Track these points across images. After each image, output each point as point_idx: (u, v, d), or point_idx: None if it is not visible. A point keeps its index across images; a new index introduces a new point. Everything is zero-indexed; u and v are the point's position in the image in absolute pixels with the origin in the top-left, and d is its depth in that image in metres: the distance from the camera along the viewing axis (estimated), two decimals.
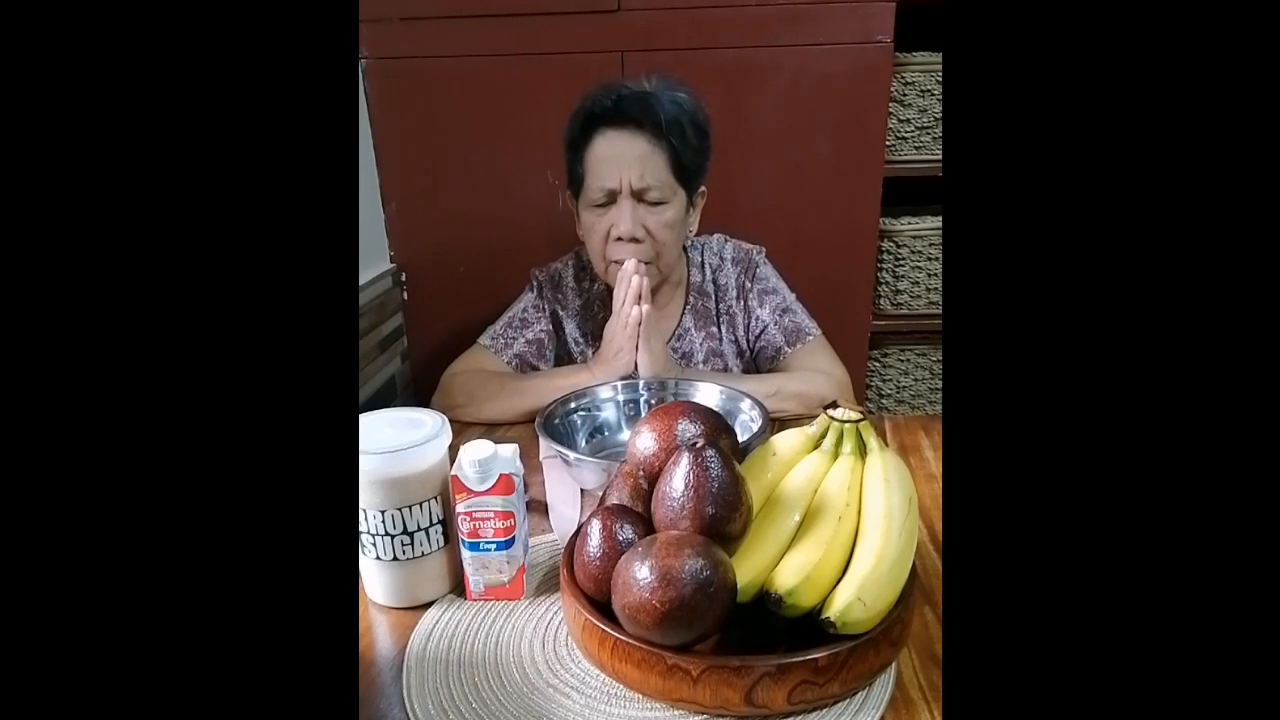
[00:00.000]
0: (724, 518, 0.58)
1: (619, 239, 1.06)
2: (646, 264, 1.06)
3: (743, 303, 1.18)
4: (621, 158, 1.04)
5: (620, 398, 1.02)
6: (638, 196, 1.05)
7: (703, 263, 1.19)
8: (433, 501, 0.68)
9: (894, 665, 0.61)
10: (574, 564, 0.63)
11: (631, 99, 1.04)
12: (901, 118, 1.48)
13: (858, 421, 0.67)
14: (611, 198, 1.06)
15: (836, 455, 0.66)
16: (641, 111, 1.03)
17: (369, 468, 0.65)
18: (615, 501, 0.64)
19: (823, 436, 0.68)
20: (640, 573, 0.55)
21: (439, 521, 0.69)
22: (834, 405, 0.68)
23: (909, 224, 1.53)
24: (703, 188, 1.13)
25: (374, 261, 1.49)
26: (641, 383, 1.03)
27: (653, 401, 1.01)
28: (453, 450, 0.69)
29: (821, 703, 0.57)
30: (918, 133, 1.49)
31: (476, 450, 0.66)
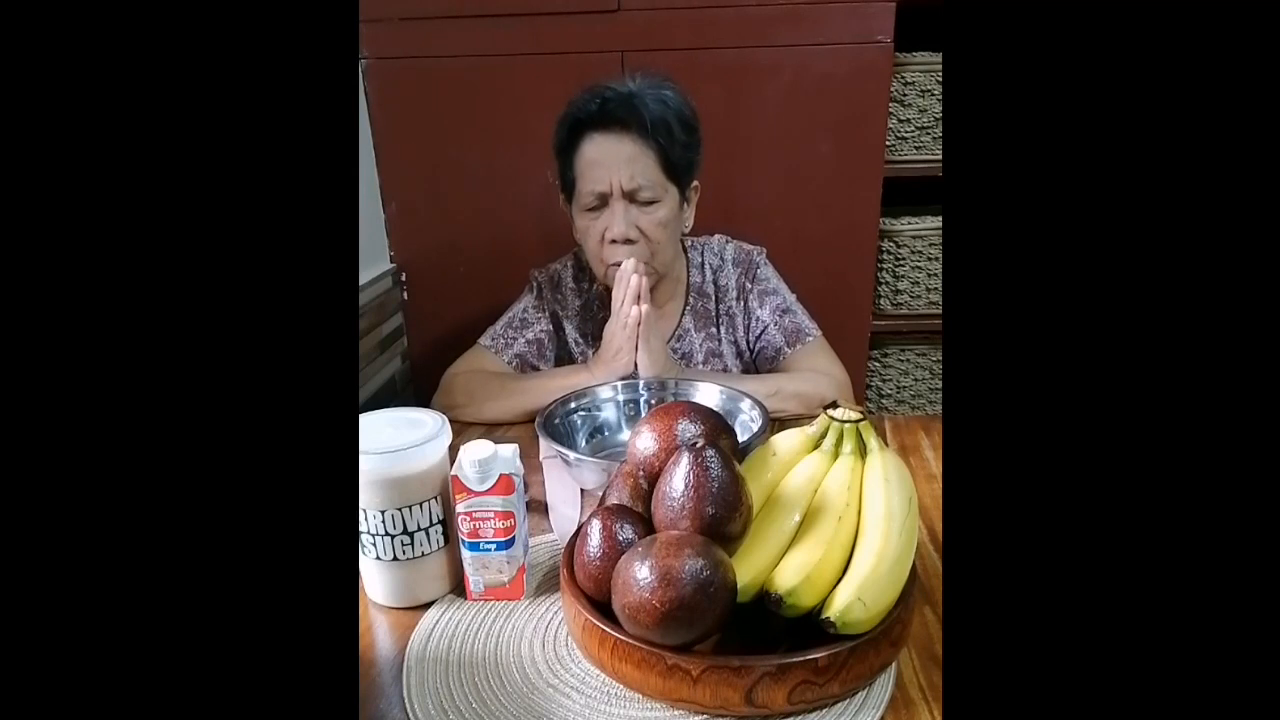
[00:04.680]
0: (724, 518, 0.58)
1: (614, 241, 1.07)
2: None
3: (743, 303, 1.18)
4: (610, 160, 1.05)
5: (620, 398, 1.02)
6: (629, 197, 1.06)
7: (703, 264, 1.19)
8: (433, 501, 0.68)
9: (894, 665, 0.61)
10: (574, 564, 0.63)
11: (616, 101, 1.04)
12: (901, 118, 1.48)
13: (858, 421, 0.67)
14: (603, 200, 1.07)
15: (836, 455, 0.66)
16: (627, 113, 1.03)
17: (369, 468, 0.65)
18: (615, 501, 0.64)
19: (823, 436, 0.68)
20: (640, 573, 0.55)
21: (439, 521, 0.69)
22: (834, 405, 0.68)
23: (909, 224, 1.53)
24: (695, 183, 1.13)
25: (374, 261, 1.49)
26: (641, 383, 1.03)
27: (653, 401, 1.01)
28: (453, 450, 0.69)
29: (821, 703, 0.57)
30: (918, 133, 1.49)
31: (476, 450, 0.66)
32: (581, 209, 1.09)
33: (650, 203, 1.07)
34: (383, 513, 0.66)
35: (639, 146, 1.04)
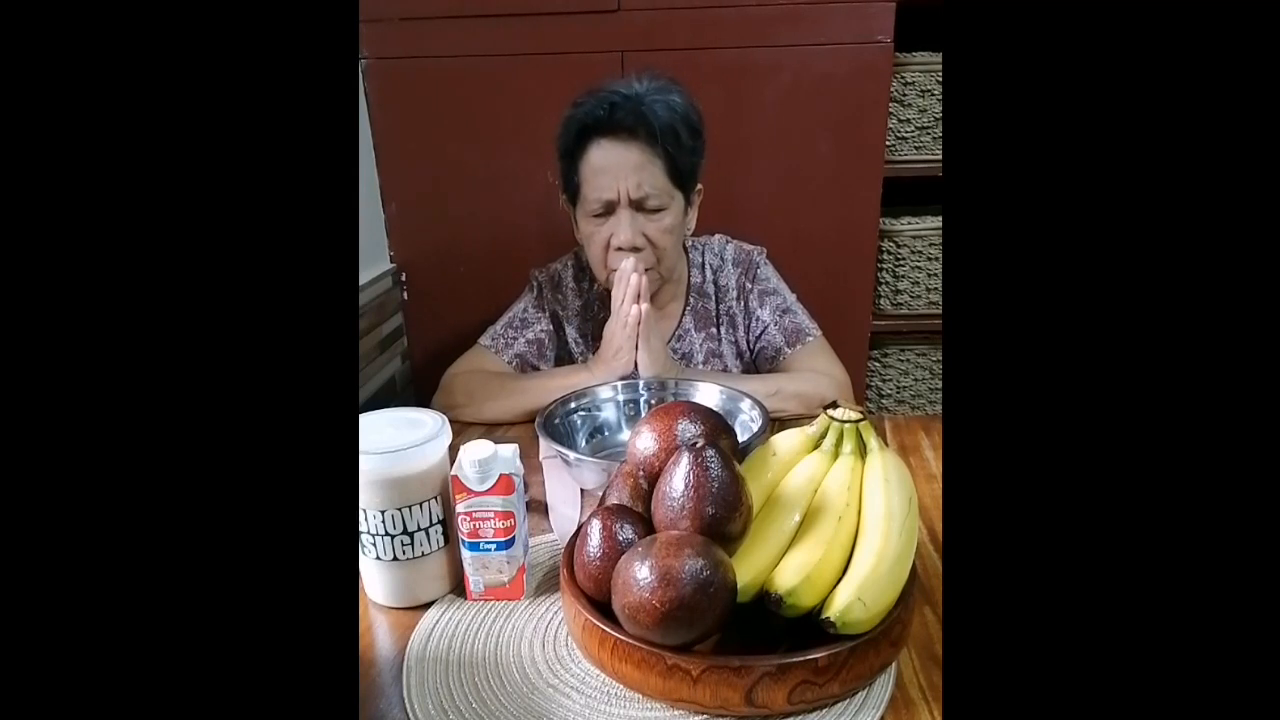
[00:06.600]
0: (724, 518, 0.58)
1: (619, 249, 1.06)
2: (647, 270, 1.05)
3: (743, 303, 1.18)
4: (618, 168, 1.03)
5: (620, 398, 1.02)
6: (636, 206, 1.05)
7: (703, 264, 1.19)
8: (433, 501, 0.68)
9: (894, 665, 0.61)
10: (574, 564, 0.63)
11: (625, 107, 1.02)
12: (901, 118, 1.48)
13: (858, 421, 0.67)
14: (610, 208, 1.06)
15: (836, 455, 0.66)
16: (635, 120, 1.02)
17: (369, 468, 0.65)
18: (615, 501, 0.64)
19: (823, 436, 0.68)
20: (640, 573, 0.55)
21: (439, 521, 0.69)
22: (834, 405, 0.68)
23: (909, 224, 1.53)
24: (699, 186, 1.13)
25: (374, 261, 1.49)
26: (641, 383, 1.03)
27: (653, 401, 1.01)
28: (453, 450, 0.69)
29: (821, 703, 0.57)
30: (918, 133, 1.49)
31: (476, 450, 0.66)
32: (587, 214, 1.08)
33: (657, 210, 1.06)
34: (383, 513, 0.66)
35: (647, 154, 1.03)
